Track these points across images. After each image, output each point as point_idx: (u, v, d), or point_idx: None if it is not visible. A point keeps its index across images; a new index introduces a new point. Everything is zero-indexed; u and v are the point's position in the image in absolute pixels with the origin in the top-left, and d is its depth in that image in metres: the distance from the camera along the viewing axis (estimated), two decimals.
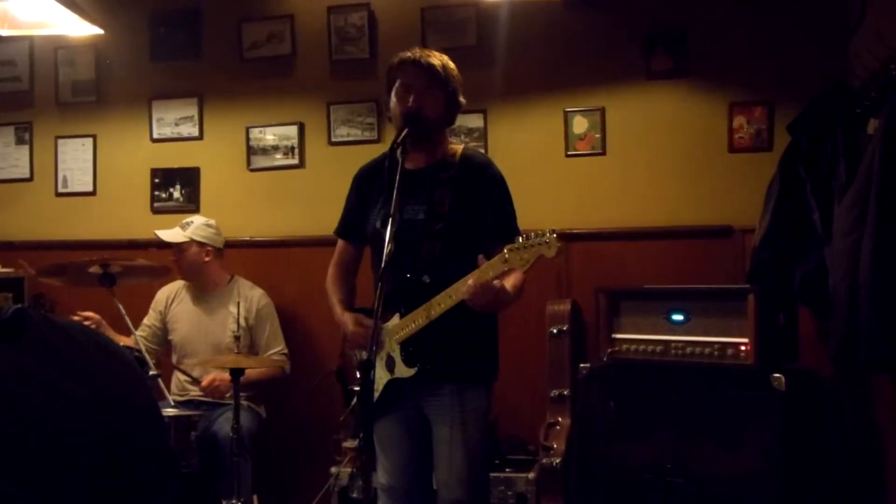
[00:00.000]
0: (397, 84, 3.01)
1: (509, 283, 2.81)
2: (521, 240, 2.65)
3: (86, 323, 3.95)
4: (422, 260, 2.91)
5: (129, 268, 4.10)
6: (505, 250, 2.66)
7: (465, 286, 2.72)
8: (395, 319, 2.93)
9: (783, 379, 3.20)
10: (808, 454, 3.35)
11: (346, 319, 3.10)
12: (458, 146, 3.14)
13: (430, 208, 2.96)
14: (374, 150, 4.09)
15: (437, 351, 2.89)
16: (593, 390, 3.62)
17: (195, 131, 5.06)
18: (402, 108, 2.96)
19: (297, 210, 4.87)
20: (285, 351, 4.46)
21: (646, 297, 3.67)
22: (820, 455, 3.44)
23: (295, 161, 4.92)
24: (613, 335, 3.66)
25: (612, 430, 3.53)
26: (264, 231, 4.91)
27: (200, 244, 4.42)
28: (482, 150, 4.31)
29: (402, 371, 2.92)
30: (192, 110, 5.06)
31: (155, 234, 4.44)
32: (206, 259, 4.45)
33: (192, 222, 4.48)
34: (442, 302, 2.81)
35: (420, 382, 2.93)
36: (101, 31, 3.96)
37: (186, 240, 4.41)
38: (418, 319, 2.87)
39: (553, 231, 2.60)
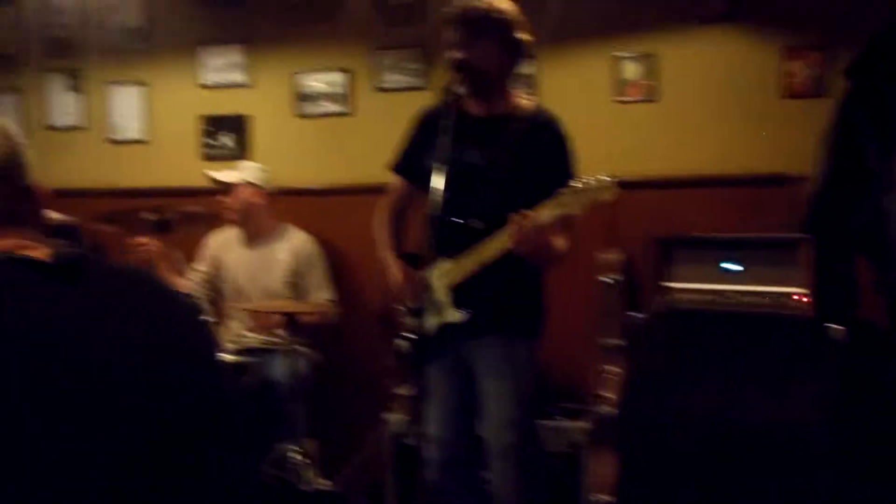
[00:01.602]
0: (447, 40, 2.96)
1: (559, 240, 2.79)
2: (579, 184, 2.63)
3: (144, 249, 3.98)
4: (476, 206, 2.89)
5: (182, 214, 4.12)
6: (561, 193, 2.64)
7: (512, 225, 2.70)
8: (446, 264, 2.92)
9: (840, 330, 3.15)
10: (865, 407, 3.31)
11: (394, 267, 3.09)
12: (527, 100, 3.09)
13: (490, 156, 2.94)
14: (423, 96, 4.06)
15: (485, 299, 2.88)
16: (645, 339, 3.60)
17: (243, 78, 5.05)
18: (452, 61, 2.92)
19: (345, 157, 4.87)
20: (333, 297, 4.48)
21: (699, 246, 3.63)
22: (877, 408, 3.40)
23: (343, 108, 4.90)
24: (665, 284, 3.63)
25: (664, 380, 3.51)
26: (314, 179, 4.91)
27: (253, 186, 4.44)
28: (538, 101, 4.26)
29: (452, 316, 2.93)
30: (239, 57, 5.05)
31: (207, 174, 4.45)
32: (258, 202, 4.46)
33: (245, 166, 4.51)
34: (492, 246, 2.80)
35: (468, 331, 2.93)
36: None
37: (240, 181, 4.42)
38: (468, 264, 2.86)
39: (611, 176, 2.57)
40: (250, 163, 4.57)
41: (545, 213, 2.67)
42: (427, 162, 3.02)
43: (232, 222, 4.53)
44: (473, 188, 2.91)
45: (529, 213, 2.68)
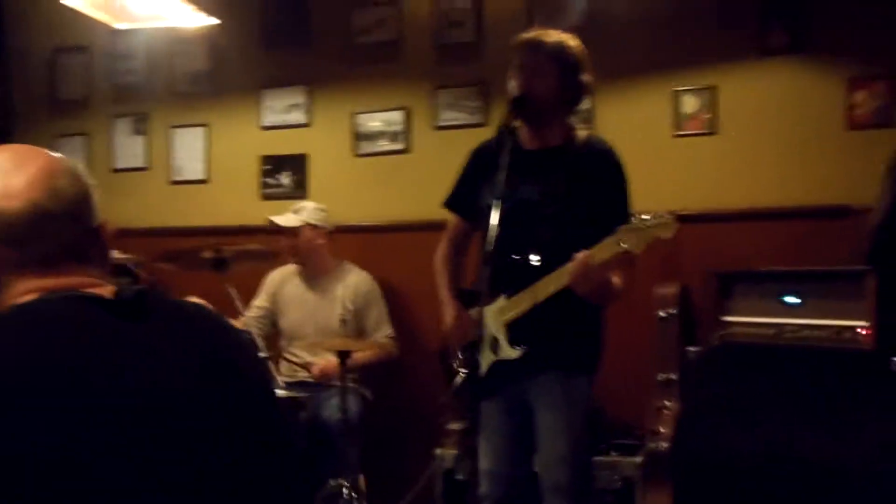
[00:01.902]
0: (512, 66, 2.97)
1: (617, 277, 2.77)
2: (635, 221, 2.61)
3: None
4: (532, 242, 2.87)
5: (240, 253, 4.18)
6: (620, 230, 2.62)
7: (572, 266, 2.69)
8: (502, 301, 2.91)
9: None
10: None
11: (448, 307, 3.10)
12: (582, 131, 3.08)
13: (544, 190, 2.91)
14: (481, 133, 4.06)
15: (542, 334, 2.86)
16: (702, 374, 3.54)
17: (304, 118, 5.13)
18: (512, 89, 2.93)
19: (403, 195, 4.90)
20: (393, 334, 4.50)
21: (758, 280, 3.57)
22: None
23: (401, 146, 4.95)
24: (724, 318, 3.58)
25: (721, 415, 3.45)
26: (371, 216, 4.95)
27: (314, 227, 4.49)
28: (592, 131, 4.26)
29: (507, 353, 2.91)
30: (301, 97, 5.13)
31: (269, 220, 4.51)
32: (320, 242, 4.51)
33: (304, 207, 4.55)
34: (549, 284, 2.77)
35: (524, 367, 2.91)
36: (215, 21, 4.03)
37: (301, 224, 4.48)
38: (525, 301, 2.84)
39: (671, 212, 2.55)
40: (310, 203, 4.62)
41: (604, 252, 2.65)
42: (482, 198, 3.01)
43: (294, 262, 4.58)
44: (529, 223, 2.89)
45: (588, 251, 2.66)
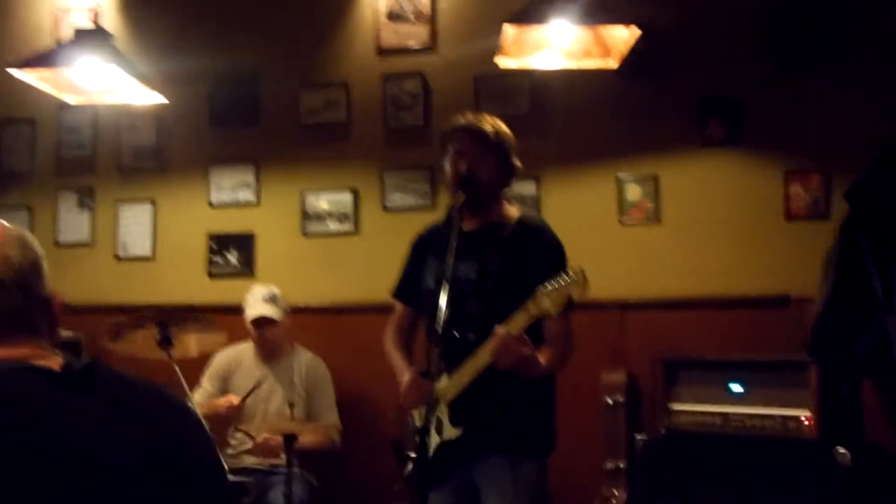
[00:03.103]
0: (450, 150, 3.03)
1: (544, 354, 2.79)
2: (548, 285, 2.64)
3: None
4: (469, 318, 2.89)
5: (185, 328, 4.10)
6: (536, 293, 2.65)
7: (491, 341, 2.71)
8: (444, 380, 2.90)
9: (847, 454, 3.11)
10: None
11: (405, 372, 3.08)
12: (514, 209, 3.14)
13: (480, 267, 2.96)
14: (429, 216, 4.10)
15: (483, 412, 2.85)
16: (649, 462, 3.55)
17: (252, 196, 5.13)
18: (455, 174, 2.98)
19: (351, 276, 4.89)
20: (339, 425, 4.43)
21: (704, 368, 3.61)
22: None
23: (349, 227, 4.96)
24: (670, 406, 3.60)
25: (669, 503, 3.45)
26: (318, 297, 4.92)
27: (287, 314, 4.46)
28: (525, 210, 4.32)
29: (449, 432, 2.89)
30: (249, 176, 5.13)
31: (252, 318, 4.39)
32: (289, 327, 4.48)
33: (274, 295, 4.43)
34: (477, 360, 2.79)
35: (470, 450, 2.89)
36: (164, 101, 4.04)
37: (283, 314, 4.42)
38: (462, 378, 2.85)
39: (581, 269, 2.59)
40: (270, 287, 4.50)
41: (520, 320, 2.68)
42: (425, 280, 3.08)
43: (264, 350, 4.49)
44: (468, 301, 2.92)
45: (504, 325, 2.69)
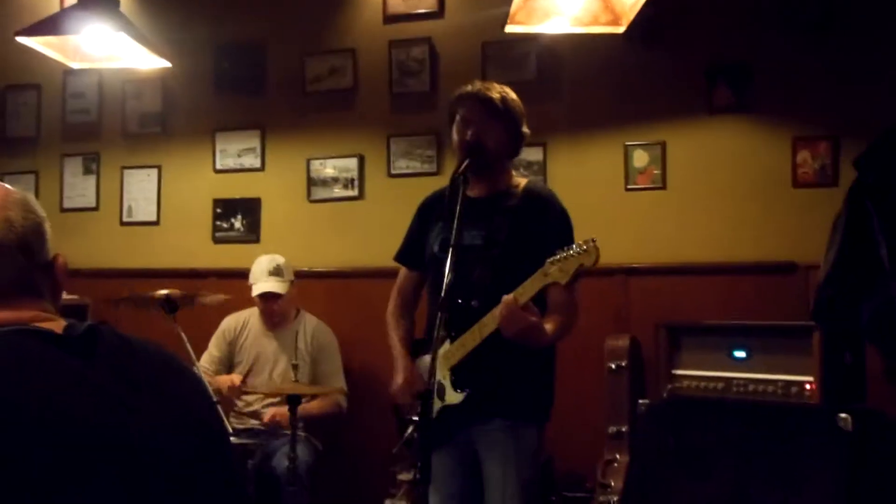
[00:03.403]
0: (458, 117, 3.02)
1: (551, 323, 2.79)
2: (559, 254, 2.64)
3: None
4: (475, 286, 2.90)
5: (191, 297, 4.13)
6: (546, 263, 2.65)
7: (498, 309, 2.71)
8: (447, 346, 2.91)
9: (850, 419, 3.11)
10: (875, 499, 3.25)
11: (400, 364, 3.11)
12: (522, 178, 3.14)
13: (487, 235, 2.95)
14: (434, 182, 4.11)
15: (486, 378, 2.86)
16: (652, 427, 3.56)
17: (257, 163, 5.13)
18: (462, 141, 2.97)
19: (356, 241, 4.91)
20: (345, 390, 4.46)
21: (707, 333, 3.60)
22: (889, 500, 3.34)
23: (354, 193, 4.96)
24: (673, 371, 3.60)
25: (671, 468, 3.46)
26: (324, 262, 4.94)
27: (293, 283, 4.48)
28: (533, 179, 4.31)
29: (452, 397, 2.90)
30: (255, 142, 5.13)
31: (259, 294, 4.39)
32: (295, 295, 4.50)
33: (279, 267, 4.44)
34: (483, 327, 2.79)
35: (471, 414, 2.90)
36: (168, 65, 4.02)
37: (289, 286, 4.44)
38: (465, 345, 2.85)
39: (593, 239, 2.58)
40: (275, 257, 4.50)
41: (530, 288, 2.68)
42: (429, 245, 3.08)
43: (272, 321, 4.51)
44: (473, 268, 2.92)
45: (513, 293, 2.69)
